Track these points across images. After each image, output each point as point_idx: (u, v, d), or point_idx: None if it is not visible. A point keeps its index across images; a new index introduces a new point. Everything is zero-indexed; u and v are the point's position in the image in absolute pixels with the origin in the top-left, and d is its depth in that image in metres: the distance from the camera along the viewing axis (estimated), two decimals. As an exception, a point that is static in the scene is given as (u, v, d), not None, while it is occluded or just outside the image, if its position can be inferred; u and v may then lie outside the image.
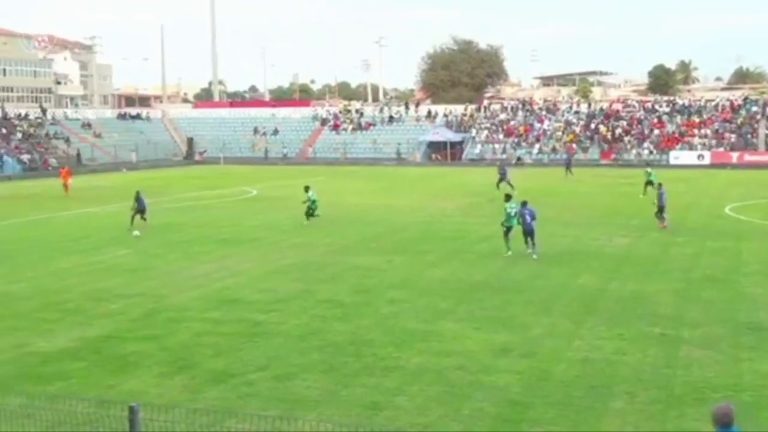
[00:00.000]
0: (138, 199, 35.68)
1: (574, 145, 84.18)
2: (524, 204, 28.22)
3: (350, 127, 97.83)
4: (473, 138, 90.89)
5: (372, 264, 26.95)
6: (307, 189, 37.18)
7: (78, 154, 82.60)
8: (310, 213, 36.72)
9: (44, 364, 16.28)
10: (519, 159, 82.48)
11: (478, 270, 25.59)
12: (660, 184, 36.73)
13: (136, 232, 33.72)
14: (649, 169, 48.65)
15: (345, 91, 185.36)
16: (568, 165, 66.72)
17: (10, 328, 19.09)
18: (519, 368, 15.72)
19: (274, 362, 16.20)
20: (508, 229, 28.15)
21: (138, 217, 35.22)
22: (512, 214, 28.09)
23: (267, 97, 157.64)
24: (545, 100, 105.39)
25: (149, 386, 14.84)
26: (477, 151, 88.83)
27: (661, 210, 34.70)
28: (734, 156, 78.80)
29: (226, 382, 15.00)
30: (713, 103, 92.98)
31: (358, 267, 26.47)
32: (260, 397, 14.25)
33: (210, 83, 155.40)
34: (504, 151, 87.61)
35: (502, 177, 52.21)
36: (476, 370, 15.56)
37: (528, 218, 27.59)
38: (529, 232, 27.64)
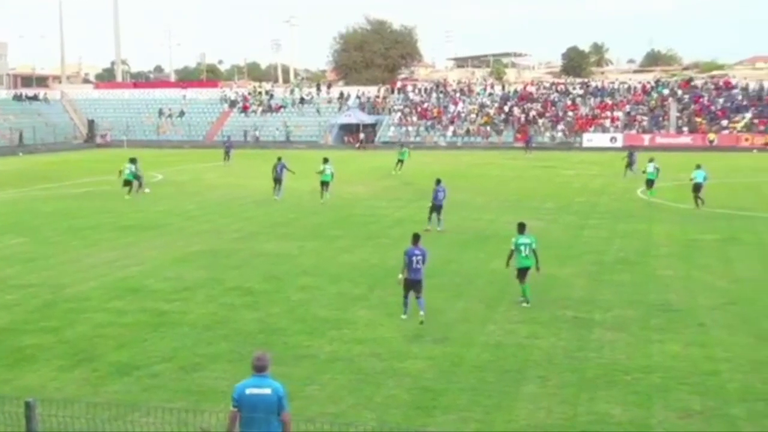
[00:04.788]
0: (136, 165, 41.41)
1: (530, 131, 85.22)
2: (438, 182, 30.37)
3: (260, 109, 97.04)
4: (387, 120, 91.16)
5: (282, 250, 26.83)
6: (325, 161, 39.92)
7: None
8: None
9: (-66, 360, 15.76)
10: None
11: (391, 255, 25.61)
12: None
13: (147, 189, 41.23)
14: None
15: (254, 72, 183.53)
16: (527, 144, 74.87)
17: None
18: (432, 354, 15.86)
19: (180, 353, 16.00)
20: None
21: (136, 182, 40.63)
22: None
23: (173, 78, 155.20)
24: (459, 82, 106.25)
25: (48, 380, 14.50)
26: (390, 133, 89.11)
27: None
28: (646, 138, 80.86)
29: (130, 375, 14.76)
30: (626, 86, 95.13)
31: (267, 253, 26.33)
32: (165, 389, 14.06)
33: (112, 63, 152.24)
34: (417, 133, 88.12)
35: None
36: (389, 357, 15.66)
37: (440, 195, 29.96)
38: (437, 208, 30.01)
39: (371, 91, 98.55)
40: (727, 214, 34.64)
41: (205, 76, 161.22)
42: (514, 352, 16.04)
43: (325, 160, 40.04)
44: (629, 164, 50.82)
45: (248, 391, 9.27)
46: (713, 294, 20.73)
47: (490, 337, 17.07)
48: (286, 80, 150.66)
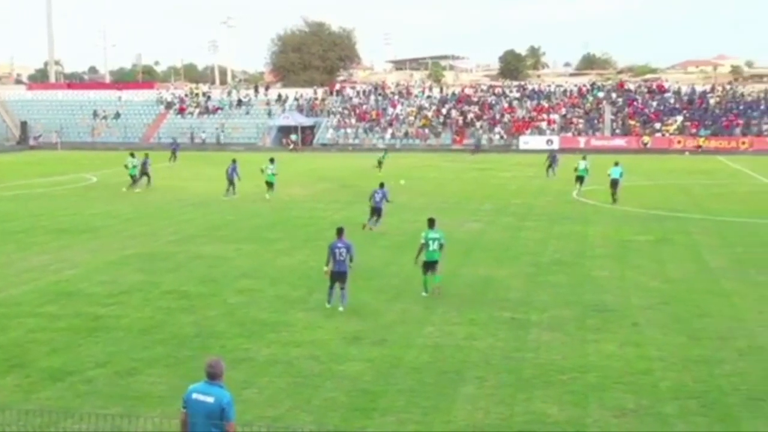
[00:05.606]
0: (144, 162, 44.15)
1: (480, 131, 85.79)
2: (381, 185, 31.78)
3: (197, 110, 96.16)
4: (325, 122, 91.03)
5: (220, 252, 26.63)
6: (271, 161, 41.50)
7: None
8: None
9: None
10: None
11: (329, 257, 25.64)
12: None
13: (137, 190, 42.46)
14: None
15: (191, 74, 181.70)
16: (476, 147, 76.87)
17: None
18: (370, 356, 15.88)
19: (115, 358, 15.78)
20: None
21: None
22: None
23: (108, 79, 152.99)
24: (398, 85, 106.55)
25: (-22, 387, 14.17)
26: (329, 135, 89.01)
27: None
28: (582, 141, 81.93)
29: (63, 381, 14.50)
30: (562, 89, 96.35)
31: (204, 256, 26.10)
32: (100, 394, 13.84)
33: (46, 63, 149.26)
34: (356, 135, 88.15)
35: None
36: (327, 360, 15.64)
37: (377, 197, 31.11)
38: (376, 210, 30.99)
39: (309, 93, 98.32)
40: (659, 215, 35.29)
41: (141, 78, 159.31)
42: (452, 353, 16.14)
43: (271, 161, 41.41)
44: (550, 165, 53.20)
45: (194, 396, 9.28)
46: (647, 294, 21.11)
47: (429, 338, 17.15)
48: (223, 82, 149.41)
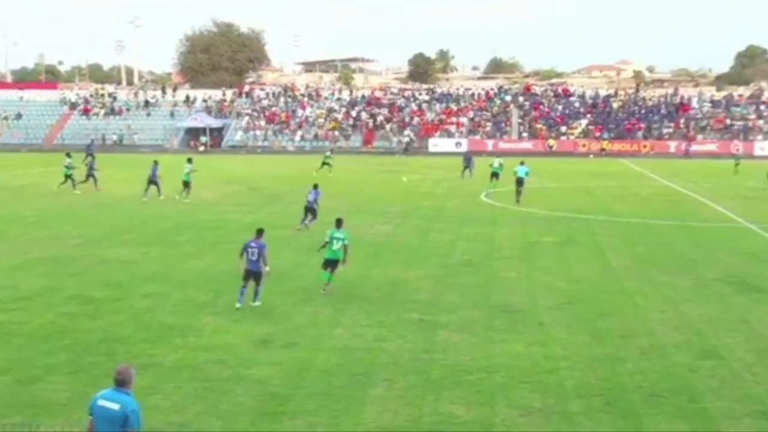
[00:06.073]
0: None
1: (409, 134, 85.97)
2: (315, 186, 33.24)
3: (102, 111, 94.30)
4: (234, 124, 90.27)
5: (125, 256, 26.14)
6: (189, 161, 41.83)
7: None
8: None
9: None
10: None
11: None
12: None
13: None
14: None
15: (96, 74, 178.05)
16: (406, 150, 78.26)
17: None
18: (279, 359, 15.79)
19: (16, 365, 15.33)
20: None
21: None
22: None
23: (9, 79, 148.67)
24: (308, 87, 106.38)
25: None
26: (238, 137, 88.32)
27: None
28: (489, 143, 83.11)
29: (-39, 390, 14.03)
30: (470, 92, 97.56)
31: (110, 260, 25.58)
32: (0, 403, 13.43)
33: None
34: (265, 137, 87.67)
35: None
36: (236, 364, 15.48)
37: (311, 198, 32.52)
38: (310, 210, 32.32)
39: (218, 94, 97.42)
40: (565, 217, 35.99)
41: (44, 77, 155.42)
42: (362, 355, 16.15)
43: (189, 161, 41.81)
44: (467, 167, 54.36)
45: (99, 402, 9.10)
46: (552, 294, 21.48)
47: (338, 341, 17.13)
48: (130, 82, 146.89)
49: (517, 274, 24.13)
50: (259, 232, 20.23)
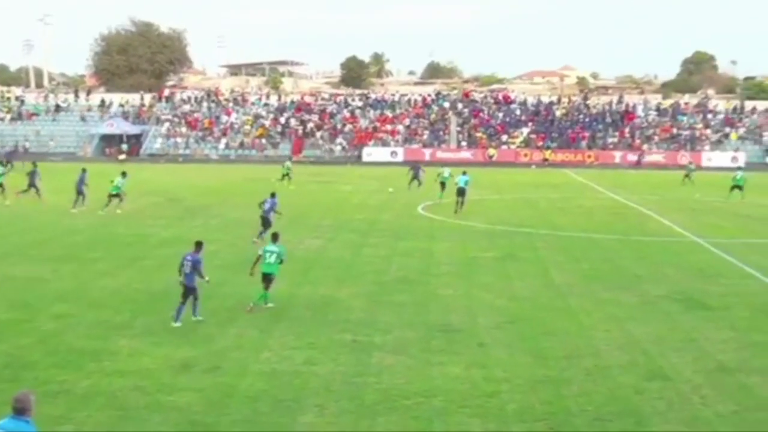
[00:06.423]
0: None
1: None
2: (272, 195, 33.79)
3: (8, 116, 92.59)
4: (153, 131, 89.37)
5: (33, 274, 25.66)
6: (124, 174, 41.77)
7: None
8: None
9: None
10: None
11: (158, 278, 25.14)
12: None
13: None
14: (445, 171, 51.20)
15: (2, 76, 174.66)
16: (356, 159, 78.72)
17: None
18: (202, 385, 15.63)
19: None
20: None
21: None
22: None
23: None
24: (233, 91, 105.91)
25: None
26: (157, 145, 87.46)
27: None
28: (427, 153, 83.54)
29: None
30: (406, 98, 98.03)
31: (16, 278, 25.09)
32: None
33: None
34: (187, 145, 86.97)
35: None
36: (154, 390, 15.28)
37: (266, 207, 33.03)
38: (265, 221, 32.51)
39: (136, 98, 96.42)
40: (506, 230, 36.34)
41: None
42: (290, 379, 16.08)
43: (123, 174, 41.87)
44: (415, 177, 54.39)
45: None
46: (493, 313, 21.66)
47: (265, 364, 17.03)
48: (39, 85, 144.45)
49: (456, 291, 24.26)
50: (198, 245, 20.54)
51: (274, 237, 22.36)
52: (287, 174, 56.48)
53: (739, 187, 50.16)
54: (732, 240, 34.69)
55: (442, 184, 47.89)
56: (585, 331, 20.00)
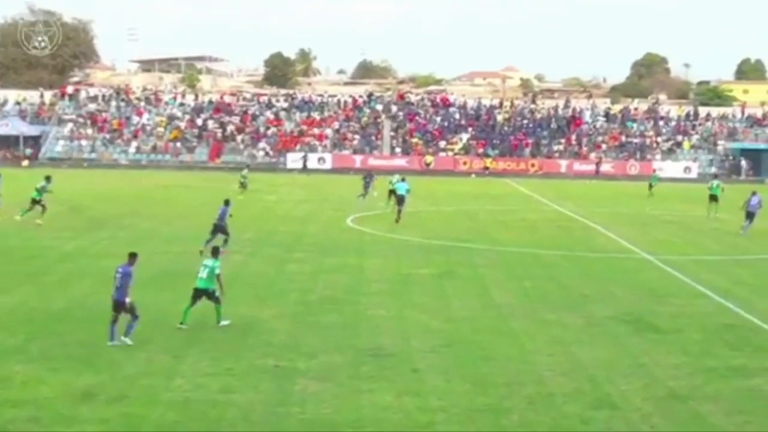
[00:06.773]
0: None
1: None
2: (226, 202, 34.43)
3: None
4: (54, 132, 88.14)
5: None
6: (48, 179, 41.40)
7: None
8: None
9: None
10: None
11: (58, 296, 24.78)
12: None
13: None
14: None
15: None
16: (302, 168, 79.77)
17: None
18: (106, 416, 15.40)
19: None
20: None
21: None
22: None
23: None
24: (145, 89, 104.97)
25: None
26: (59, 148, 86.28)
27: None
28: (357, 159, 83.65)
29: None
30: (335, 99, 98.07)
31: None
32: None
33: None
34: (93, 149, 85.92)
35: None
36: (51, 422, 15.02)
37: (219, 213, 33.87)
38: (219, 228, 33.39)
39: (35, 96, 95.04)
40: (443, 245, 36.50)
41: None
42: (206, 409, 15.92)
43: (47, 178, 41.45)
44: (366, 185, 54.79)
45: None
46: (428, 335, 21.69)
47: (177, 393, 16.84)
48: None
49: (388, 312, 24.26)
50: (131, 256, 20.54)
51: (214, 251, 22.48)
52: (243, 183, 56.90)
53: (715, 198, 49.39)
54: (683, 257, 35.32)
55: (392, 192, 47.66)
56: (527, 356, 20.14)
